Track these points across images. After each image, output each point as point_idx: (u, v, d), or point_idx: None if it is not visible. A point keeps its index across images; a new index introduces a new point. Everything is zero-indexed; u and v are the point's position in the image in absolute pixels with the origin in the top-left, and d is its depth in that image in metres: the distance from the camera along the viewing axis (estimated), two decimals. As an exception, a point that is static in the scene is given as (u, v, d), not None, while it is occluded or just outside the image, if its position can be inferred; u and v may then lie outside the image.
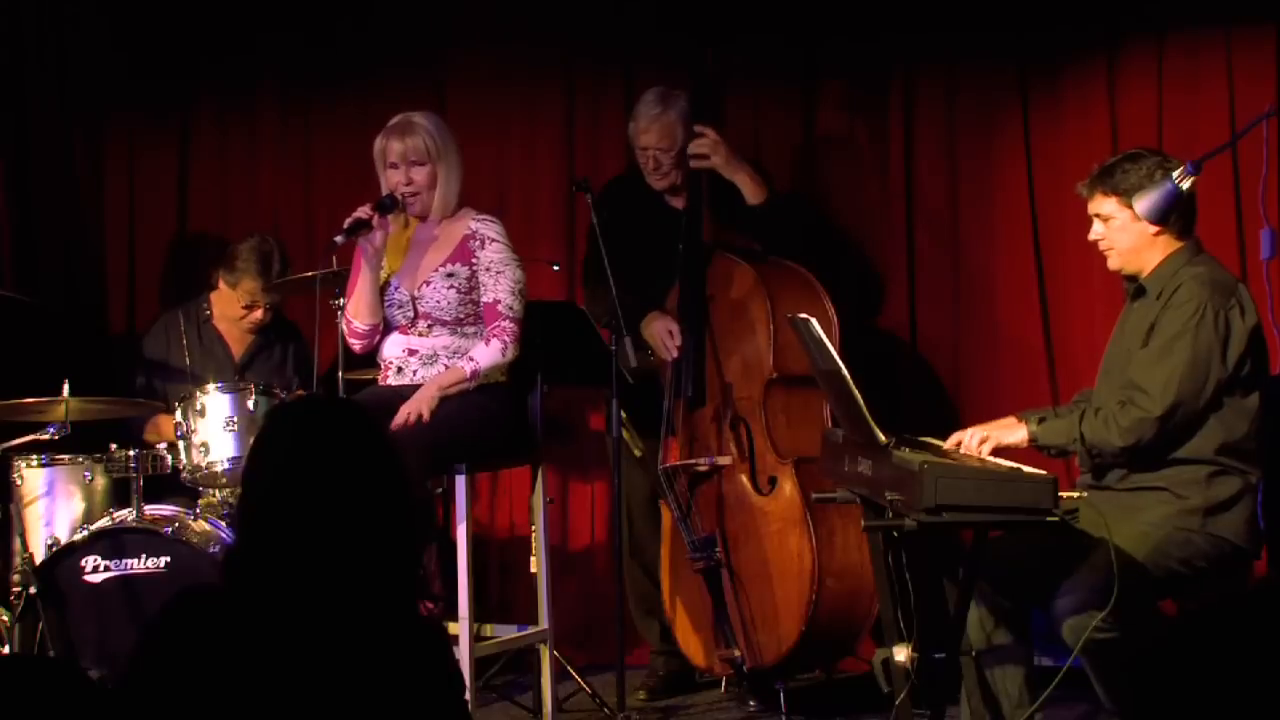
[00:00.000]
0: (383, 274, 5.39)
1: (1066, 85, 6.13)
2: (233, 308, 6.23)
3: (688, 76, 5.93)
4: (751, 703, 5.78)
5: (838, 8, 6.33)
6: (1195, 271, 4.60)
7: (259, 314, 6.21)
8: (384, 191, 5.36)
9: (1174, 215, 4.63)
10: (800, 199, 6.23)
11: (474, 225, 5.38)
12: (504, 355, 5.30)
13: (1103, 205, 4.69)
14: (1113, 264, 4.76)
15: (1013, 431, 4.65)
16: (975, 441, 4.60)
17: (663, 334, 5.77)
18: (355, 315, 5.36)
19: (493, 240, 5.36)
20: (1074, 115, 6.11)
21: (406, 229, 5.44)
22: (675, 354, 5.75)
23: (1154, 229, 4.63)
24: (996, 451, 4.61)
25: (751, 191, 5.83)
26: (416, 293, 5.34)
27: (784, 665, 5.61)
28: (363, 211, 5.25)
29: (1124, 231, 4.66)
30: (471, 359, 5.26)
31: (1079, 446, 4.58)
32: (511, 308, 5.31)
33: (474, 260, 5.33)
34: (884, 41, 6.32)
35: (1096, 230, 4.74)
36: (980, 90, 6.26)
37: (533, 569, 5.60)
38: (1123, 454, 4.57)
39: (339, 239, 5.23)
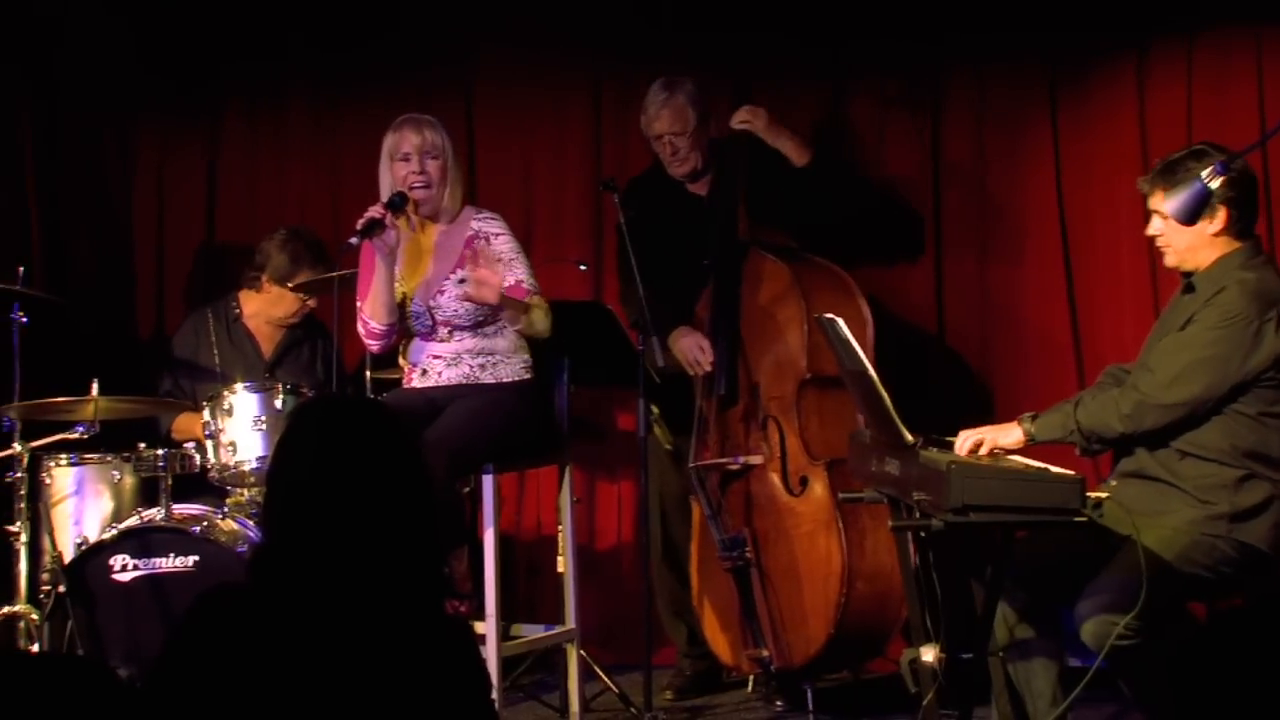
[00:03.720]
0: (398, 286, 5.37)
1: (1095, 86, 6.11)
2: (281, 307, 6.23)
3: (714, 73, 5.93)
4: (778, 703, 5.77)
5: (866, 8, 6.31)
6: (1243, 277, 4.54)
7: (310, 305, 6.21)
8: (383, 191, 5.36)
9: (1233, 215, 4.57)
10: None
11: (476, 225, 5.40)
12: (547, 317, 5.30)
13: (1163, 203, 4.60)
14: (1169, 261, 4.70)
15: (1008, 433, 4.61)
16: (969, 445, 4.54)
17: (693, 350, 5.76)
18: (372, 315, 5.36)
19: (497, 234, 5.39)
20: (1102, 116, 6.09)
21: (415, 233, 5.43)
22: (708, 368, 5.74)
23: (1214, 229, 4.59)
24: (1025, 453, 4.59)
25: (797, 153, 5.83)
26: (432, 303, 5.35)
27: (812, 666, 5.60)
28: (375, 211, 5.25)
29: (1182, 230, 4.58)
30: (527, 309, 5.26)
31: (1076, 436, 4.54)
32: (535, 286, 5.34)
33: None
34: (912, 42, 6.30)
35: (1155, 226, 4.67)
36: (1008, 90, 6.25)
37: (560, 569, 5.61)
38: (1121, 438, 4.54)
39: (354, 240, 5.24)
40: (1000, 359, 6.26)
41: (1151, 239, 4.74)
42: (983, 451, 4.49)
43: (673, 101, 5.92)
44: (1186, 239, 4.60)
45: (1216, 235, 4.59)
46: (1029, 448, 4.60)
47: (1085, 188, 6.06)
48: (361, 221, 5.23)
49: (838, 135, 6.42)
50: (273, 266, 6.21)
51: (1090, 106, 6.11)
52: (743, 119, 5.82)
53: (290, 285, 6.13)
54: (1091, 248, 6.07)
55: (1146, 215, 4.74)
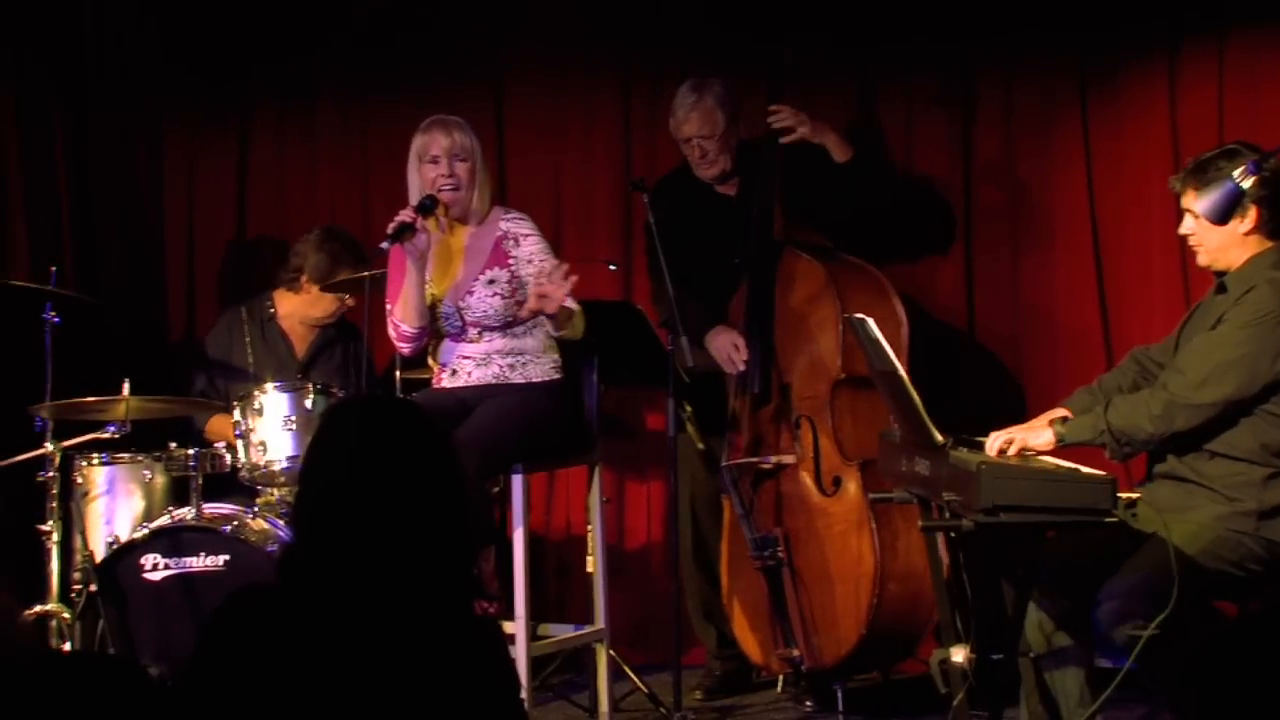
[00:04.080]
0: (428, 289, 5.38)
1: (1126, 85, 6.09)
2: (320, 308, 6.24)
3: (743, 72, 5.93)
4: (808, 703, 5.77)
5: (895, 7, 6.31)
6: (1274, 276, 4.52)
7: (349, 302, 6.22)
8: (412, 193, 5.36)
9: (1265, 214, 4.56)
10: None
11: (505, 225, 5.39)
12: (582, 319, 5.30)
13: (1195, 202, 4.58)
14: (1201, 261, 4.69)
15: (1038, 434, 4.59)
16: (998, 446, 4.54)
17: (728, 348, 5.76)
18: (403, 319, 5.36)
19: (526, 235, 5.38)
20: (1134, 115, 6.07)
21: (445, 235, 5.44)
22: (742, 367, 5.73)
23: (1245, 228, 4.58)
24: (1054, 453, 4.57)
25: (840, 150, 5.82)
26: (461, 304, 5.35)
27: (842, 666, 5.59)
28: (405, 215, 5.24)
29: (1214, 230, 4.57)
30: (571, 314, 5.24)
31: (1107, 438, 4.53)
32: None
33: (511, 260, 5.34)
34: (942, 41, 6.29)
35: (1187, 225, 4.66)
36: (1039, 89, 6.23)
37: (589, 568, 5.61)
38: (1153, 440, 4.52)
39: (385, 245, 5.23)
40: (1031, 358, 6.25)
41: (1183, 238, 4.73)
42: (1011, 452, 4.48)
43: (701, 104, 5.91)
44: (1218, 238, 4.59)
45: (1248, 234, 4.58)
46: (1059, 449, 4.59)
47: (1116, 187, 6.04)
48: (392, 226, 5.22)
49: (868, 135, 6.40)
50: (311, 266, 6.22)
51: (1121, 105, 6.09)
52: (786, 124, 5.80)
53: (323, 285, 6.14)
54: (1122, 247, 6.05)
55: (1179, 214, 4.72)
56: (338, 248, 6.22)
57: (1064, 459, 4.46)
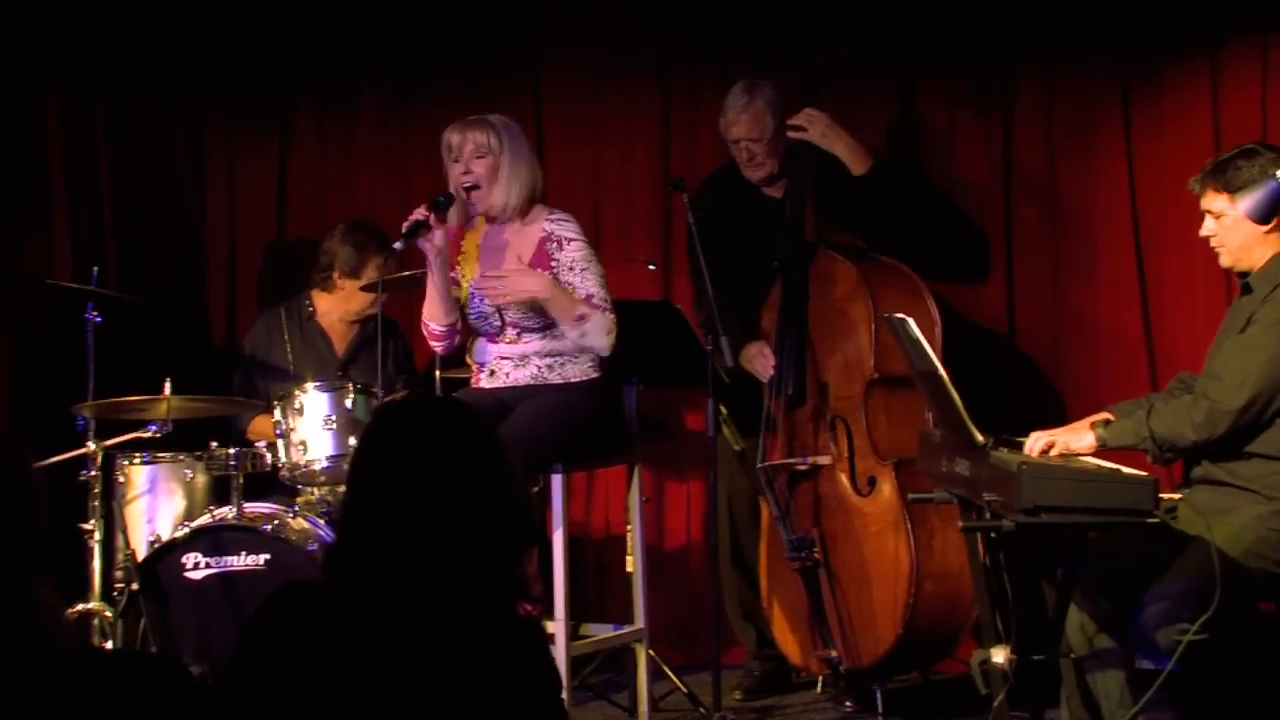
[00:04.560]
0: (461, 289, 5.37)
1: (1168, 85, 6.07)
2: (356, 301, 6.25)
3: (785, 72, 5.92)
4: (848, 703, 5.76)
5: (936, 7, 6.29)
6: None
7: (384, 296, 6.23)
8: (450, 187, 5.36)
9: None
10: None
11: (549, 226, 5.35)
12: (608, 336, 5.28)
13: (1214, 202, 4.62)
14: (1224, 262, 4.70)
15: (1080, 436, 4.58)
16: (1040, 447, 4.53)
17: (756, 357, 5.77)
18: (431, 317, 5.36)
19: (570, 239, 5.34)
20: (1176, 115, 6.04)
21: (476, 230, 5.43)
22: (771, 372, 5.73)
23: (1265, 226, 4.57)
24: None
25: (853, 160, 5.79)
26: (512, 301, 5.34)
27: (881, 667, 5.58)
28: (418, 213, 5.22)
29: (1234, 229, 4.59)
30: (586, 316, 5.24)
31: (1149, 444, 4.52)
32: (605, 299, 5.30)
33: (554, 263, 5.31)
34: (983, 41, 6.28)
35: (1208, 226, 4.67)
36: (1080, 89, 6.21)
37: (629, 568, 5.61)
38: (1195, 447, 4.50)
39: (398, 245, 5.21)
40: (1072, 360, 6.22)
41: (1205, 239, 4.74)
42: (1053, 454, 4.47)
43: (751, 107, 5.91)
44: (1240, 238, 4.60)
45: (1269, 233, 4.60)
46: (1098, 452, 4.57)
47: (1159, 188, 6.01)
48: (406, 225, 5.21)
49: (907, 135, 6.40)
50: (340, 260, 6.25)
51: (1163, 106, 6.06)
52: (797, 124, 5.80)
53: (362, 285, 6.15)
54: (1164, 248, 6.03)
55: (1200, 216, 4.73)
56: (363, 237, 6.24)
57: (1105, 460, 4.45)
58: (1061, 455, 4.47)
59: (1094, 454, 4.54)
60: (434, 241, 5.24)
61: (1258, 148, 4.63)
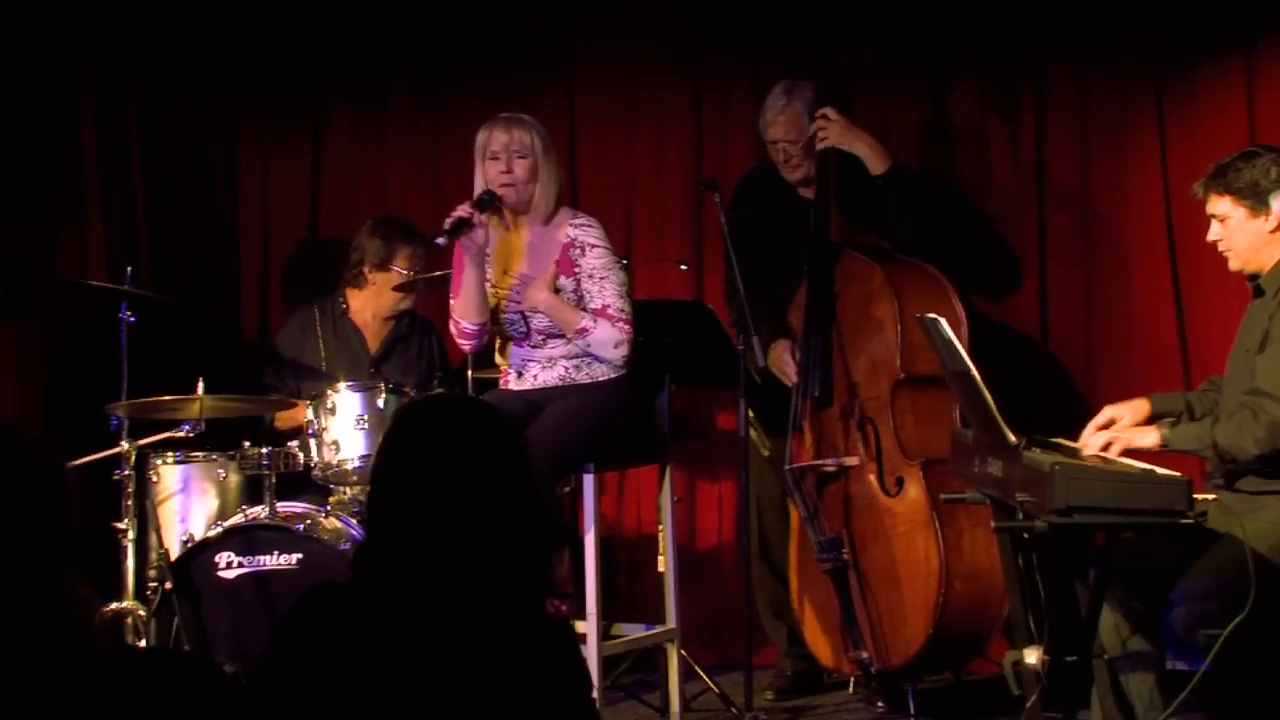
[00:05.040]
0: (490, 292, 5.38)
1: (1202, 84, 6.05)
2: (388, 295, 6.26)
3: (815, 71, 5.91)
4: (880, 704, 5.75)
5: (968, 6, 6.28)
6: None
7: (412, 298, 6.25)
8: (477, 190, 5.36)
9: None
10: (927, 180, 6.16)
11: (573, 232, 5.34)
12: (616, 349, 5.29)
13: (1218, 205, 4.66)
14: (1233, 265, 4.73)
15: (1144, 435, 4.58)
16: (1100, 443, 4.52)
17: (780, 360, 5.77)
18: (463, 315, 5.36)
19: (593, 246, 5.34)
20: (1210, 114, 6.02)
21: (507, 233, 5.43)
22: (795, 377, 5.73)
23: (1270, 226, 4.58)
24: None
25: (873, 161, 5.77)
26: (526, 311, 5.35)
27: (912, 667, 5.57)
28: (463, 210, 5.22)
29: (1240, 231, 4.63)
30: (588, 329, 5.25)
31: (1211, 453, 4.52)
32: (622, 310, 5.30)
33: (576, 269, 5.31)
34: (1015, 39, 6.26)
35: (1214, 231, 4.71)
36: (1114, 89, 6.19)
37: (660, 568, 5.61)
38: (1257, 461, 4.50)
39: (441, 240, 5.22)
40: (1105, 362, 6.20)
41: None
42: (1113, 452, 4.46)
43: (790, 109, 5.90)
44: (1246, 240, 4.64)
45: (1274, 232, 4.60)
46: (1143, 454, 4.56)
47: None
48: (449, 221, 5.21)
49: (938, 134, 6.39)
50: (370, 254, 6.26)
51: (1198, 105, 6.04)
52: (819, 135, 5.79)
53: (396, 284, 6.16)
54: (1198, 248, 5.97)
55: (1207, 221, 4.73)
56: (389, 230, 6.26)
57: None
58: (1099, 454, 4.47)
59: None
60: (476, 240, 5.25)
61: (1259, 150, 4.67)
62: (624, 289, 5.32)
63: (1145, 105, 6.12)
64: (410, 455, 2.77)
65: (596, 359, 5.34)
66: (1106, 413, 4.69)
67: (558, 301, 5.26)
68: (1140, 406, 4.72)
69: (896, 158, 5.84)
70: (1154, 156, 6.09)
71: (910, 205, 5.79)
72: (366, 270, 6.28)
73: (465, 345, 5.46)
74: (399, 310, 6.30)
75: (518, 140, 5.29)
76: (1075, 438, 4.66)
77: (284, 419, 6.13)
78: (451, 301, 5.41)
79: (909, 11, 6.31)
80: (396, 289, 6.17)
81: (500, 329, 5.42)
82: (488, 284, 5.37)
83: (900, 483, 5.57)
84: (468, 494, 2.71)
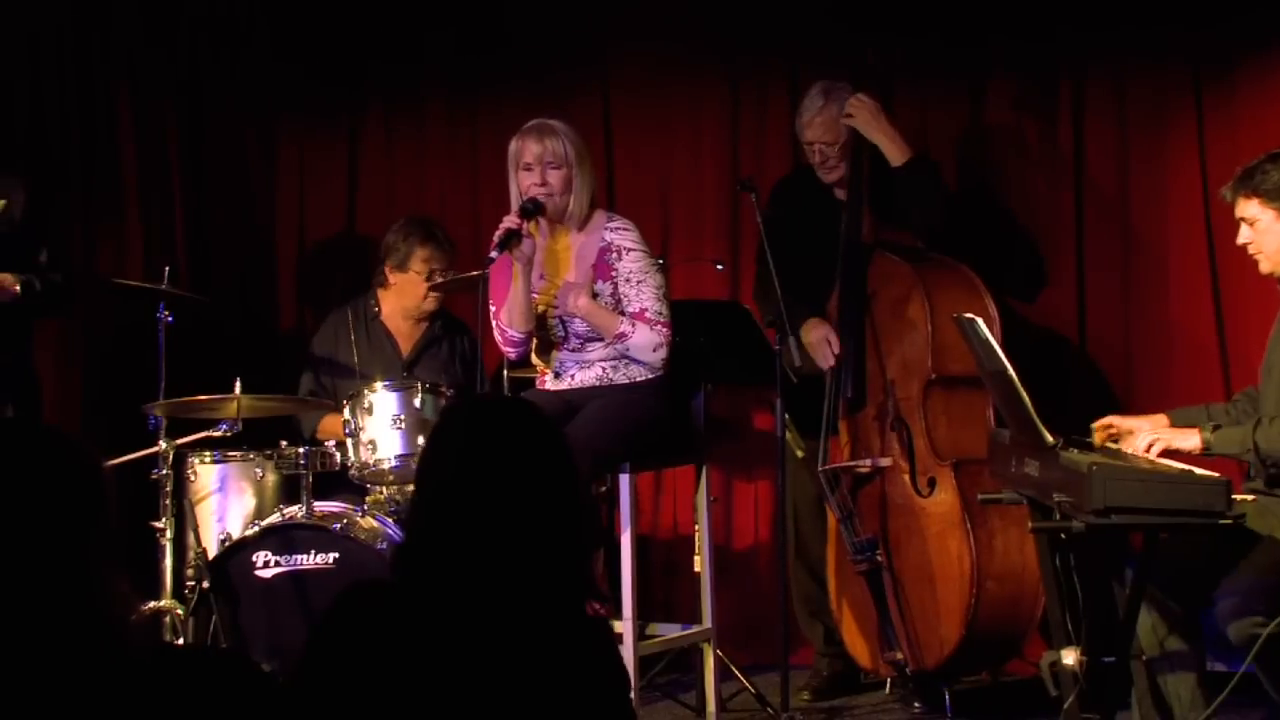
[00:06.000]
0: (536, 298, 5.37)
1: (1241, 83, 6.02)
2: (409, 296, 6.27)
3: (850, 73, 5.91)
4: (916, 705, 5.74)
5: (1004, 6, 6.26)
6: None
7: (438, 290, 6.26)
8: (513, 197, 5.36)
9: None
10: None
11: (609, 236, 5.34)
12: (655, 352, 5.28)
13: (1246, 208, 4.65)
14: (1264, 268, 4.72)
15: (1187, 437, 4.56)
16: (1144, 445, 4.51)
17: (820, 342, 5.75)
18: (510, 324, 5.36)
19: (629, 250, 5.33)
20: (1249, 114, 5.99)
21: (547, 240, 5.43)
22: (833, 361, 5.72)
23: None
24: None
25: (891, 153, 5.75)
26: (566, 316, 5.35)
27: (947, 668, 5.57)
28: (510, 222, 5.21)
29: (1270, 233, 4.62)
30: (626, 334, 5.25)
31: (1253, 456, 4.51)
32: (660, 313, 5.29)
33: (614, 273, 5.31)
34: (1053, 37, 6.24)
35: (1244, 234, 4.71)
36: (1152, 87, 6.16)
37: (696, 568, 5.60)
38: None
39: (494, 254, 5.22)
40: (1143, 365, 6.18)
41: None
42: (1154, 452, 4.45)
43: (827, 111, 5.89)
44: (1276, 242, 4.65)
45: None
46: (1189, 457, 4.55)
47: (1232, 188, 5.97)
48: (499, 234, 5.21)
49: (977, 134, 6.38)
50: (390, 255, 6.29)
51: (1236, 105, 6.01)
52: (847, 112, 5.78)
53: (429, 285, 6.17)
54: (1238, 249, 5.96)
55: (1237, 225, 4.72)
56: (409, 230, 6.29)
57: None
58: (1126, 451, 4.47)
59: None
60: (525, 250, 5.24)
61: None
62: (661, 291, 5.32)
63: (1183, 105, 6.09)
64: (449, 454, 2.77)
65: (635, 361, 5.34)
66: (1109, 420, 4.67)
67: (595, 307, 5.27)
68: (1159, 421, 4.70)
69: (918, 152, 5.82)
70: (1192, 156, 6.07)
71: (920, 200, 5.76)
72: (388, 270, 6.30)
73: (510, 352, 5.46)
74: (425, 312, 6.30)
75: (550, 151, 5.29)
76: (1112, 438, 4.65)
77: (325, 430, 6.13)
78: (493, 307, 5.41)
79: (946, 12, 6.29)
80: (433, 289, 6.17)
81: (541, 333, 5.42)
82: (534, 294, 5.37)
83: (932, 484, 5.56)
84: (509, 493, 2.71)
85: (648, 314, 5.28)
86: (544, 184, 5.29)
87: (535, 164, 5.30)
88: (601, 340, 5.33)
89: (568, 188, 5.32)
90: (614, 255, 5.31)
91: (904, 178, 5.75)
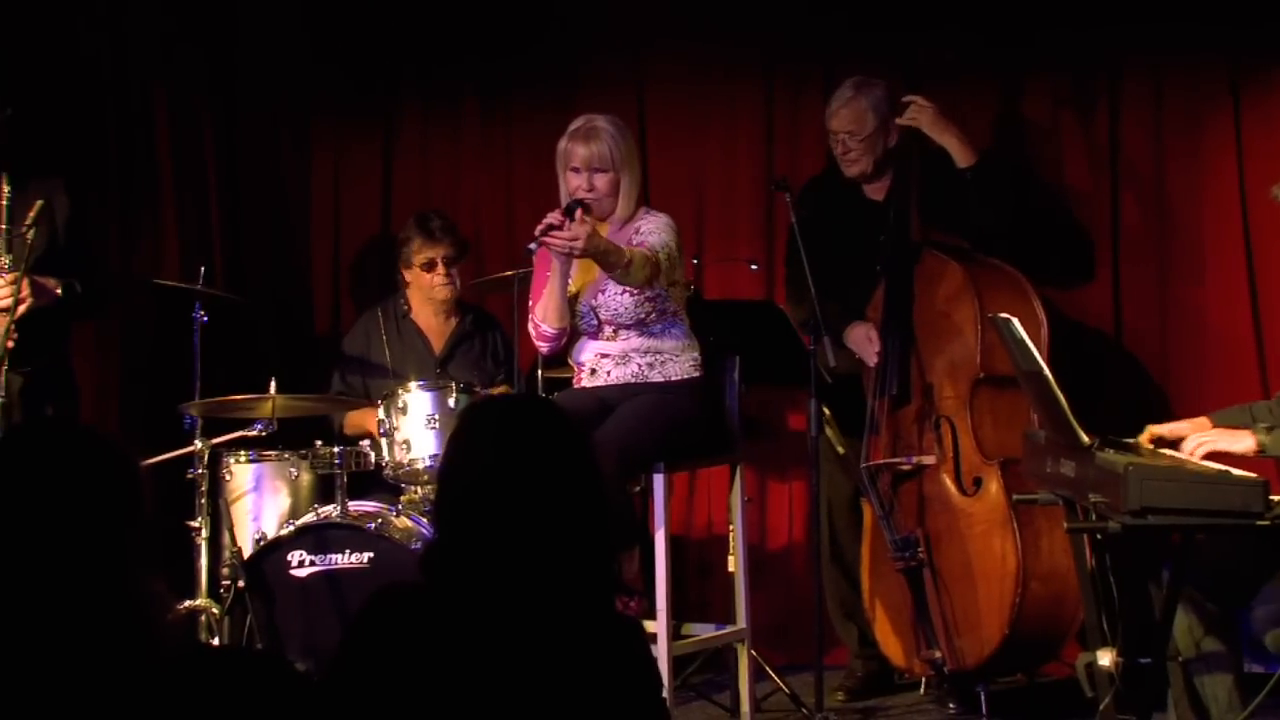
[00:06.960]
0: (571, 286, 5.38)
1: (1278, 80, 5.99)
2: (424, 288, 6.29)
3: (888, 71, 5.90)
4: (951, 705, 5.72)
5: (1042, 3, 6.24)
6: None
7: (442, 275, 6.25)
8: (563, 196, 5.36)
9: None
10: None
11: (639, 223, 5.36)
12: (643, 269, 5.15)
13: None
14: None
15: (1240, 440, 4.51)
16: (1193, 446, 4.48)
17: (862, 340, 5.76)
18: (544, 319, 5.37)
19: (648, 219, 5.33)
20: (1287, 111, 5.98)
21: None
22: (875, 359, 5.72)
23: None
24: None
25: (961, 154, 5.74)
26: (595, 301, 5.34)
27: (985, 668, 5.55)
28: (553, 217, 5.22)
29: None
30: (631, 261, 5.15)
31: None
32: (657, 245, 5.23)
33: (631, 243, 5.30)
34: (1089, 36, 6.22)
35: None
36: (1189, 86, 6.14)
37: (730, 568, 5.60)
38: None
39: (533, 246, 5.23)
40: (1179, 361, 6.16)
41: None
42: (1200, 455, 4.42)
43: (855, 102, 5.89)
44: None
45: None
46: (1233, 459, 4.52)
47: (1270, 184, 5.92)
48: (540, 228, 5.22)
49: (1011, 133, 6.35)
50: (399, 254, 6.36)
51: (1274, 102, 5.99)
52: (910, 115, 5.78)
53: (432, 238, 6.23)
54: (1275, 247, 5.95)
55: None
56: (409, 226, 6.34)
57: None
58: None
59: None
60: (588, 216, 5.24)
61: None
62: (669, 249, 5.26)
63: (1221, 101, 6.07)
64: (473, 454, 2.78)
65: (673, 357, 5.34)
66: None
67: (599, 235, 5.17)
68: (1201, 424, 4.66)
69: (983, 151, 5.81)
70: (1229, 154, 6.05)
71: (993, 200, 5.75)
72: (402, 269, 6.35)
73: (543, 347, 5.47)
74: (441, 301, 6.31)
75: (597, 156, 5.29)
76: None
77: (352, 424, 6.15)
78: (531, 303, 5.41)
79: (982, 10, 6.27)
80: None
81: (574, 324, 5.42)
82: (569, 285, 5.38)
83: (978, 483, 5.55)
84: (533, 492, 2.71)
85: (645, 245, 5.23)
86: (591, 189, 5.30)
87: (583, 168, 5.31)
88: (634, 328, 5.32)
89: (614, 190, 5.33)
90: (635, 231, 5.31)
91: (973, 178, 5.73)
